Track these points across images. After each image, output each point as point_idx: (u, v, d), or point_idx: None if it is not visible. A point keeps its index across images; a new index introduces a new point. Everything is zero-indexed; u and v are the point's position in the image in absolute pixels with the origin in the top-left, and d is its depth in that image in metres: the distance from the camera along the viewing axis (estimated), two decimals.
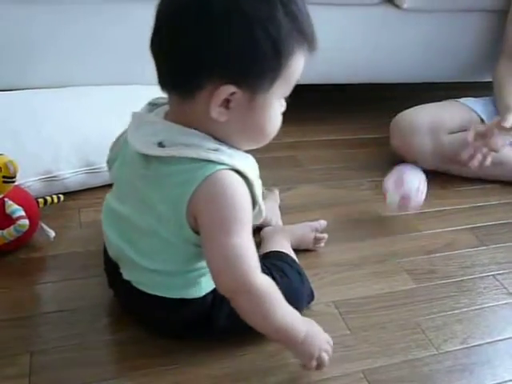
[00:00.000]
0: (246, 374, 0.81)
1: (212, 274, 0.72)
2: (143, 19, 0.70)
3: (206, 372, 0.80)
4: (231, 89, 0.65)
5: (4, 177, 0.93)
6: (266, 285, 0.73)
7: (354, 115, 1.73)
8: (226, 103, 0.67)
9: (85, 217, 1.12)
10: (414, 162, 1.39)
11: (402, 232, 1.19)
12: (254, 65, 0.65)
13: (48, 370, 0.79)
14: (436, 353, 0.88)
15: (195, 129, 0.70)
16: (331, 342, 0.80)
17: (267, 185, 1.28)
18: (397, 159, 1.44)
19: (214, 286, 0.77)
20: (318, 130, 1.63)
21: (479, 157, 1.26)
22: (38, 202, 1.04)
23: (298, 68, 0.70)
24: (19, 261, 0.99)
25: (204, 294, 0.79)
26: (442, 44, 1.61)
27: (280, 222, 1.13)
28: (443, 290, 1.02)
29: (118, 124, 1.18)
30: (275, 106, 0.72)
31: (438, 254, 1.13)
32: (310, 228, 1.09)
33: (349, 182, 1.37)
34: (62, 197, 1.10)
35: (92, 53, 1.34)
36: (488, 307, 0.99)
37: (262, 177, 1.35)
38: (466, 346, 0.90)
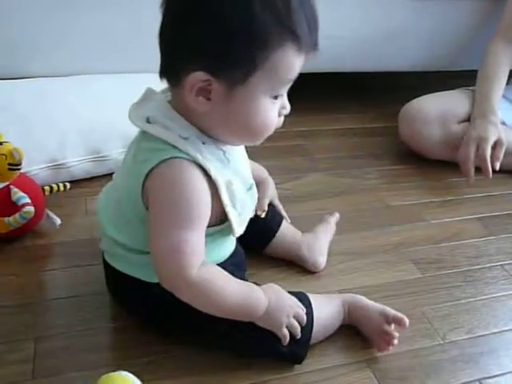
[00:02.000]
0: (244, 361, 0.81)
1: (153, 265, 0.72)
2: (151, 8, 0.70)
3: (211, 361, 0.80)
4: (202, 75, 0.64)
5: (9, 164, 0.94)
6: (204, 277, 0.71)
7: (363, 104, 1.72)
8: (207, 93, 0.66)
9: (90, 205, 1.12)
10: (421, 151, 1.39)
11: (409, 221, 1.18)
12: (225, 53, 0.64)
13: (52, 355, 0.79)
14: (442, 342, 0.87)
15: (182, 115, 0.70)
16: (299, 304, 0.79)
17: (274, 174, 1.28)
18: (405, 148, 1.44)
19: None
20: (326, 119, 1.62)
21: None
22: (43, 190, 1.04)
23: (284, 64, 0.66)
24: (25, 248, 0.99)
25: (157, 281, 0.76)
26: (451, 31, 1.60)
27: (320, 262, 1.01)
28: (450, 280, 1.01)
29: (125, 113, 1.19)
30: (262, 103, 0.68)
31: (445, 244, 1.12)
32: (379, 312, 0.86)
33: (357, 171, 1.36)
34: (68, 185, 1.11)
35: (101, 41, 1.34)
36: (495, 297, 0.98)
37: (270, 165, 1.35)
38: (471, 335, 0.89)
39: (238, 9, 0.62)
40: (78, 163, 1.16)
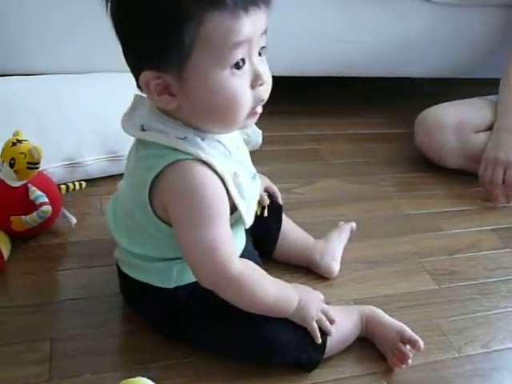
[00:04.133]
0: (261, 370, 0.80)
1: (190, 268, 0.72)
2: None
3: (227, 368, 0.80)
4: (148, 74, 0.64)
5: (28, 163, 0.94)
6: (245, 271, 0.73)
7: (378, 109, 1.71)
8: (168, 89, 0.65)
9: (106, 204, 1.10)
10: (437, 159, 1.38)
11: (424, 231, 1.17)
12: (153, 44, 0.62)
13: (68, 357, 0.79)
14: (457, 356, 0.87)
15: (170, 116, 0.70)
16: (322, 297, 0.83)
17: (287, 178, 1.28)
18: (420, 156, 1.43)
19: (188, 282, 0.78)
20: (341, 123, 1.61)
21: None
22: (60, 189, 1.04)
23: (219, 32, 0.62)
24: (41, 246, 0.99)
25: (175, 285, 0.78)
26: (470, 38, 1.59)
27: (333, 267, 1.00)
28: (465, 292, 1.01)
29: None
30: (218, 78, 0.64)
31: (460, 255, 1.11)
32: (396, 330, 0.85)
33: (371, 178, 1.36)
34: (84, 183, 1.11)
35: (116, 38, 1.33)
36: (511, 311, 0.98)
37: (283, 170, 1.35)
38: (487, 350, 0.89)
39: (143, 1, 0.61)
40: (94, 162, 1.15)
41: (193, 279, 0.76)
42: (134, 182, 0.75)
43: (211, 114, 0.68)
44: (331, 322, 0.80)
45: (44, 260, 0.96)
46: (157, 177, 0.68)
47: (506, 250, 1.14)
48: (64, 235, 1.03)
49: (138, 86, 0.68)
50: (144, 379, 0.66)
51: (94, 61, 1.34)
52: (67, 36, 1.30)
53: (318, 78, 1.58)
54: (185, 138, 0.68)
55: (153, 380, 0.69)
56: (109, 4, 0.65)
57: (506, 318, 0.96)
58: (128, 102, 1.19)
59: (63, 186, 1.06)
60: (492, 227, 1.22)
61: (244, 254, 0.84)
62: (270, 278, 0.78)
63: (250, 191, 0.76)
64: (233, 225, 0.75)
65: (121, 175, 1.17)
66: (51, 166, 1.09)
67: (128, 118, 0.75)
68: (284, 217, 1.01)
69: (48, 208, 0.94)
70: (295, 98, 1.65)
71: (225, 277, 0.71)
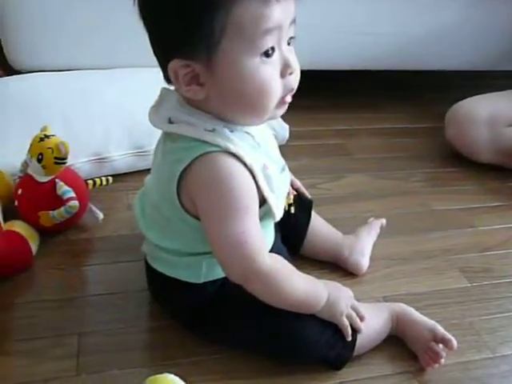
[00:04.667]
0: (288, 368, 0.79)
1: (219, 262, 0.72)
2: None
3: (254, 366, 0.79)
4: (177, 62, 0.63)
5: (55, 158, 0.94)
6: (275, 266, 0.72)
7: (406, 103, 1.68)
8: (197, 79, 0.65)
9: (132, 199, 1.10)
10: (469, 154, 1.35)
11: (455, 227, 1.14)
12: (183, 30, 0.62)
13: (96, 352, 0.79)
14: (491, 356, 0.84)
15: (199, 109, 0.69)
16: (351, 293, 0.81)
17: (314, 174, 1.26)
18: (450, 150, 1.40)
19: (217, 277, 0.77)
20: (367, 117, 1.58)
21: None
22: (87, 184, 1.04)
23: (249, 19, 0.61)
24: (68, 241, 1.00)
25: (204, 281, 0.77)
26: (502, 29, 1.55)
27: (362, 263, 0.98)
28: (499, 290, 0.98)
29: None
30: (247, 66, 0.63)
31: (493, 252, 1.08)
32: (428, 328, 0.82)
33: (399, 173, 1.33)
34: (110, 179, 1.11)
35: (142, 33, 1.33)
36: None
37: (309, 165, 1.33)
38: None
39: None
40: (121, 157, 1.16)
41: (222, 274, 0.75)
42: (161, 175, 0.74)
43: (241, 103, 0.67)
44: (361, 318, 0.78)
45: (71, 255, 0.97)
46: (185, 170, 0.68)
47: None
48: (91, 230, 1.03)
49: (166, 78, 0.68)
50: (171, 376, 0.65)
51: (119, 56, 1.35)
52: (91, 31, 1.31)
53: (343, 72, 1.55)
54: (213, 130, 0.67)
55: (180, 376, 0.68)
56: None
57: None
58: (154, 97, 1.19)
59: (90, 182, 1.06)
60: None
61: (273, 250, 0.82)
62: (300, 273, 0.77)
63: (279, 184, 0.75)
64: (262, 218, 0.74)
65: (148, 170, 1.17)
66: (78, 161, 1.10)
67: (155, 111, 0.75)
68: (312, 212, 0.99)
69: (75, 203, 0.94)
70: (321, 92, 1.62)
71: (254, 271, 0.70)
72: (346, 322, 0.76)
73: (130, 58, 1.33)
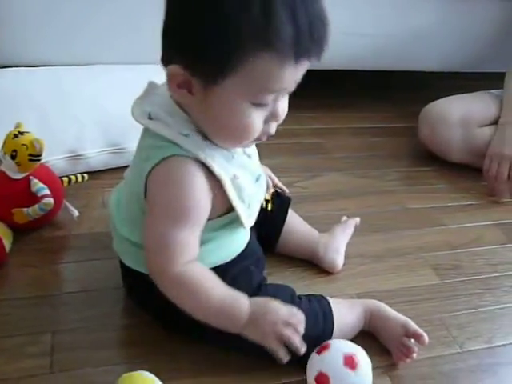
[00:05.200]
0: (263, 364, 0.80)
1: (145, 254, 0.73)
2: None
3: (228, 361, 0.80)
4: (177, 69, 0.63)
5: (30, 155, 0.93)
6: (187, 272, 0.70)
7: (382, 103, 1.70)
8: (189, 86, 0.65)
9: (108, 196, 1.10)
10: (441, 154, 1.37)
11: (427, 225, 1.17)
12: (200, 50, 0.62)
13: (70, 350, 0.79)
14: (460, 351, 0.86)
15: (180, 107, 0.70)
16: (295, 312, 0.71)
17: (291, 172, 1.27)
18: (424, 150, 1.42)
19: None
20: (345, 116, 1.60)
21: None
22: (62, 181, 1.04)
23: (262, 73, 0.62)
24: (43, 239, 0.99)
25: None
26: (478, 32, 1.58)
27: (337, 261, 1.00)
28: (469, 287, 1.00)
29: None
30: (239, 106, 0.65)
31: (464, 250, 1.10)
32: (400, 324, 0.84)
33: (375, 172, 1.35)
34: (86, 176, 1.10)
35: (119, 29, 1.33)
36: None
37: (286, 163, 1.34)
38: (490, 345, 0.88)
39: (213, 6, 0.60)
40: (96, 154, 1.15)
41: None
42: (133, 171, 0.75)
43: (218, 130, 0.69)
44: (298, 332, 0.70)
45: (46, 252, 0.96)
46: (152, 169, 0.68)
47: (510, 244, 1.14)
48: (66, 228, 1.02)
49: (163, 60, 0.68)
50: (145, 373, 0.66)
51: (98, 53, 1.34)
52: (72, 28, 1.29)
53: (323, 72, 1.56)
54: (187, 135, 0.68)
55: (154, 373, 0.69)
56: None
57: (510, 313, 0.95)
58: (132, 94, 1.19)
59: (65, 179, 1.05)
60: (496, 222, 1.21)
61: (247, 251, 0.83)
62: (224, 287, 0.72)
63: (253, 193, 0.76)
64: (228, 224, 0.75)
65: (124, 168, 1.18)
66: (53, 158, 1.09)
67: (139, 104, 0.75)
68: (289, 210, 1.01)
69: (50, 200, 0.93)
70: (300, 92, 1.63)
71: (165, 276, 0.71)
72: (275, 345, 0.69)
73: (109, 56, 1.33)
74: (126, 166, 1.15)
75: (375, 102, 1.69)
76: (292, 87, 0.67)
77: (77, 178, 1.08)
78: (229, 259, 0.80)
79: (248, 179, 0.75)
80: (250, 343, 0.75)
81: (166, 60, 0.66)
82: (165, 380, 0.70)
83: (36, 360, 0.76)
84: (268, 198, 0.93)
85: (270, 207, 0.94)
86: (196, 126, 0.70)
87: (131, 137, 1.18)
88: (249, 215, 0.76)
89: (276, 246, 1.00)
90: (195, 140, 0.68)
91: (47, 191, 0.94)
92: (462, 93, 1.45)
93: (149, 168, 0.69)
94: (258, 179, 0.78)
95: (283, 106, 0.69)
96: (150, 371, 0.69)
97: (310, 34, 0.61)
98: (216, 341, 0.79)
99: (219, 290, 0.72)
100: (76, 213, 1.03)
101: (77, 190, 1.10)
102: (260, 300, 0.72)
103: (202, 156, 0.68)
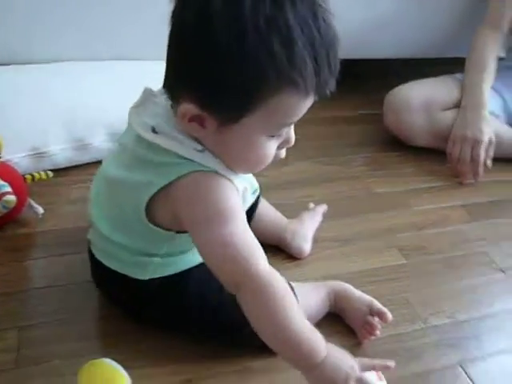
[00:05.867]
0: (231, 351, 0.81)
1: (213, 271, 0.67)
2: None
3: (196, 350, 0.80)
4: (193, 109, 0.61)
5: None
6: (275, 278, 0.66)
7: (349, 91, 1.70)
8: (201, 121, 0.63)
9: (74, 193, 1.11)
10: (406, 139, 1.40)
11: (394, 208, 1.19)
12: (218, 90, 0.60)
13: (36, 344, 0.79)
14: (423, 327, 0.88)
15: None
16: (356, 370, 0.67)
17: None
18: (390, 136, 1.44)
19: (163, 275, 0.77)
20: (312, 106, 1.60)
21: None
22: (25, 179, 1.03)
23: (283, 109, 0.62)
24: (6, 237, 0.98)
25: (149, 278, 0.77)
26: (439, 19, 1.60)
27: (304, 248, 1.01)
28: (433, 266, 1.02)
29: (106, 99, 1.19)
30: (256, 141, 0.64)
31: (429, 231, 1.13)
32: (365, 303, 0.86)
33: (342, 159, 1.36)
34: (50, 173, 1.10)
35: (82, 27, 1.32)
36: (477, 282, 0.99)
37: None
38: (453, 320, 0.90)
39: (234, 46, 0.56)
40: (60, 151, 1.14)
41: (169, 273, 0.77)
42: (132, 178, 0.71)
43: (233, 162, 0.68)
44: None
45: (10, 250, 0.96)
46: (167, 185, 0.67)
47: (473, 224, 1.16)
48: (31, 225, 1.02)
49: (167, 95, 0.67)
50: (107, 360, 0.66)
51: (61, 50, 1.33)
52: (30, 25, 1.28)
53: None
54: (203, 151, 0.67)
55: (120, 362, 0.69)
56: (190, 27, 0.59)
57: (472, 288, 0.98)
58: (94, 91, 1.20)
59: (28, 176, 1.05)
60: (460, 203, 1.23)
61: None
62: (303, 315, 0.67)
63: (248, 204, 0.78)
64: None
65: (89, 164, 1.18)
66: (16, 156, 1.08)
67: (136, 114, 0.73)
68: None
69: (12, 198, 0.93)
70: None
71: (250, 273, 0.64)
72: None
73: (72, 52, 1.33)
74: (92, 163, 1.18)
75: (340, 91, 1.69)
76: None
77: (41, 176, 1.07)
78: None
79: (249, 192, 0.76)
80: (215, 331, 0.78)
81: (175, 92, 0.64)
82: (129, 368, 0.70)
83: (1, 356, 0.76)
84: None
85: None
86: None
87: (96, 132, 1.18)
88: None
89: None
90: (210, 156, 0.67)
91: (9, 188, 0.93)
92: (426, 78, 1.46)
93: (162, 184, 0.67)
94: (254, 192, 0.79)
95: (292, 131, 0.70)
96: (116, 361, 0.70)
97: (328, 67, 0.61)
98: (184, 330, 0.81)
99: (301, 313, 0.66)
100: (41, 210, 1.02)
101: (42, 188, 1.10)
102: (331, 345, 0.68)
103: (220, 169, 0.67)
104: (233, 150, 0.66)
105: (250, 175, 0.78)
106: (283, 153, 0.71)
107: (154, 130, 0.68)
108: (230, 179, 0.68)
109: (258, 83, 0.58)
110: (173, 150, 0.66)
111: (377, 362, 0.71)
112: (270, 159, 0.68)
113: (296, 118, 0.65)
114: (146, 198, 0.69)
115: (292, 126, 0.69)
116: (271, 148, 0.67)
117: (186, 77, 0.62)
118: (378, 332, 0.83)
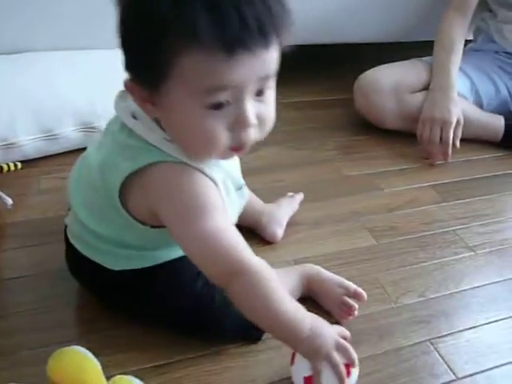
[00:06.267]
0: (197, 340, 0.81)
1: (200, 267, 0.67)
2: None
3: (168, 336, 0.80)
4: (128, 81, 0.63)
5: None
6: (262, 264, 0.66)
7: (320, 77, 1.72)
8: (151, 99, 0.63)
9: (44, 184, 1.10)
10: (377, 122, 1.41)
11: (364, 191, 1.20)
12: (134, 55, 0.61)
13: (7, 335, 0.78)
14: (394, 306, 0.90)
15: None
16: (346, 333, 0.71)
17: None
18: (361, 119, 1.45)
19: (133, 268, 0.77)
20: (282, 91, 1.58)
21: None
22: None
23: (197, 70, 0.58)
24: None
25: (118, 269, 0.77)
26: (405, 2, 1.60)
27: (278, 233, 1.01)
28: (403, 246, 1.04)
29: (73, 89, 1.17)
30: (190, 113, 0.61)
31: (399, 212, 1.14)
32: (338, 284, 0.87)
33: (313, 143, 1.37)
34: (19, 164, 1.09)
35: (46, 16, 1.29)
36: (446, 261, 1.01)
37: None
38: (423, 298, 0.92)
39: (128, 11, 0.59)
40: (29, 142, 1.13)
41: (141, 266, 0.77)
42: (107, 162, 0.71)
43: (183, 142, 0.66)
44: (351, 363, 0.67)
45: None
46: (137, 171, 0.66)
47: (443, 204, 1.18)
48: (1, 216, 1.01)
49: None
50: (77, 347, 0.66)
51: (29, 40, 1.30)
52: (2, 14, 1.26)
53: None
54: (172, 141, 0.66)
55: (91, 350, 0.69)
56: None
57: (442, 267, 0.99)
58: (61, 80, 1.18)
59: None
60: (430, 183, 1.25)
61: None
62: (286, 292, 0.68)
63: (235, 201, 0.76)
64: None
65: (58, 155, 1.17)
66: None
67: (121, 99, 0.72)
68: None
69: None
70: None
71: (233, 266, 0.64)
72: (318, 369, 0.66)
73: (40, 42, 1.30)
74: (62, 153, 1.17)
75: (309, 76, 1.71)
76: (255, 83, 0.61)
77: (9, 167, 1.06)
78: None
79: (231, 187, 0.74)
80: (183, 319, 0.77)
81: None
82: (100, 355, 0.70)
83: None
84: None
85: None
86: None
87: (64, 122, 1.17)
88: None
89: None
90: (177, 147, 0.66)
91: None
92: (395, 61, 1.48)
93: (131, 169, 0.66)
94: (240, 188, 0.78)
95: (257, 109, 0.63)
96: (87, 349, 0.69)
97: (239, 19, 0.55)
98: (155, 317, 0.80)
99: (283, 290, 0.67)
100: (10, 201, 1.01)
101: (11, 179, 1.09)
102: (312, 316, 0.68)
103: (189, 161, 0.66)
104: (176, 125, 0.64)
105: (233, 170, 0.77)
106: (245, 137, 0.64)
107: (133, 116, 0.69)
108: (200, 169, 0.67)
109: (155, 43, 0.57)
110: (144, 137, 0.67)
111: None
112: (214, 137, 0.62)
113: (219, 82, 0.58)
114: (118, 183, 0.68)
115: (247, 103, 0.61)
116: (214, 124, 0.61)
117: (122, 50, 0.63)
118: (356, 312, 0.84)
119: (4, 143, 1.10)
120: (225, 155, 0.67)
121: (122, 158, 0.68)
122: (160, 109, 0.64)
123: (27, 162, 1.14)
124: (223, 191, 0.70)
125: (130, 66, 0.62)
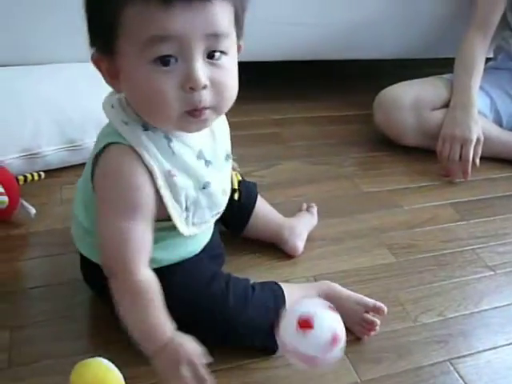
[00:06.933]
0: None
1: (99, 249, 0.70)
2: None
3: None
4: (94, 54, 0.65)
5: None
6: (145, 286, 0.67)
7: (338, 92, 1.73)
8: (115, 73, 0.65)
9: (66, 194, 1.11)
10: (396, 138, 1.41)
11: (384, 208, 1.20)
12: (88, 20, 0.64)
13: (28, 344, 0.79)
14: (413, 325, 0.89)
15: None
16: (199, 360, 0.66)
17: (249, 162, 1.29)
18: (380, 135, 1.45)
19: None
20: (302, 106, 1.63)
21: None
22: (17, 180, 1.03)
23: (138, 20, 0.59)
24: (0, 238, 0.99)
25: None
26: (424, 19, 1.62)
27: (299, 246, 1.01)
28: (422, 264, 1.03)
29: (97, 100, 1.18)
30: (141, 71, 0.61)
31: (418, 229, 1.14)
32: (356, 302, 0.87)
33: (332, 159, 1.38)
34: (42, 174, 1.10)
35: (72, 29, 1.31)
36: (465, 280, 1.01)
37: (245, 153, 1.36)
38: (442, 318, 0.91)
39: None
40: (52, 152, 1.15)
41: None
42: (91, 153, 0.74)
43: (139, 107, 0.67)
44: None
45: (3, 251, 0.96)
46: (99, 154, 0.69)
47: (462, 222, 1.17)
48: (24, 226, 1.02)
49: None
50: (99, 359, 0.67)
51: (54, 51, 1.33)
52: (24, 28, 1.28)
53: (278, 63, 1.59)
54: (127, 123, 0.68)
55: (113, 361, 0.70)
56: None
57: (461, 286, 0.99)
58: (85, 91, 1.20)
59: (21, 177, 1.05)
60: (450, 201, 1.25)
61: (207, 248, 0.83)
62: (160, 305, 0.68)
63: (197, 201, 0.73)
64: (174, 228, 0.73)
65: (81, 165, 1.18)
66: (9, 157, 1.08)
67: (109, 94, 0.75)
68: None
69: (4, 199, 0.93)
70: (255, 83, 1.65)
71: (124, 276, 0.67)
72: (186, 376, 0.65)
73: (65, 55, 1.33)
74: (84, 163, 1.18)
75: (330, 91, 1.72)
76: (199, 39, 0.60)
77: (33, 176, 1.08)
78: (180, 260, 0.79)
79: (187, 183, 0.71)
80: (198, 320, 0.76)
81: None
82: (123, 367, 0.71)
83: None
84: (235, 186, 0.95)
85: (236, 196, 0.95)
86: (137, 114, 0.69)
87: (88, 133, 1.18)
88: (189, 222, 0.74)
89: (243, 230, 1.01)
90: (133, 129, 0.67)
91: (1, 189, 0.94)
92: (415, 78, 1.48)
93: (94, 154, 0.70)
94: (204, 187, 0.73)
95: (208, 71, 0.62)
96: (109, 360, 0.70)
97: None
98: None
99: (157, 305, 0.68)
100: (33, 211, 1.02)
101: (34, 189, 1.10)
102: (179, 336, 0.67)
103: (135, 144, 0.66)
104: (131, 91, 0.65)
105: (199, 167, 0.73)
106: (196, 98, 0.62)
107: (112, 106, 0.71)
108: (142, 155, 0.66)
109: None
110: (110, 120, 0.70)
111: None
112: (163, 95, 0.61)
113: (160, 32, 0.59)
114: (89, 172, 0.71)
115: (194, 62, 0.60)
116: (161, 79, 0.61)
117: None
118: (377, 328, 0.85)
119: (28, 153, 1.12)
120: (183, 122, 0.65)
121: (95, 146, 0.72)
122: (121, 80, 0.65)
123: (49, 172, 1.16)
124: (164, 188, 0.68)
125: (90, 36, 0.64)
